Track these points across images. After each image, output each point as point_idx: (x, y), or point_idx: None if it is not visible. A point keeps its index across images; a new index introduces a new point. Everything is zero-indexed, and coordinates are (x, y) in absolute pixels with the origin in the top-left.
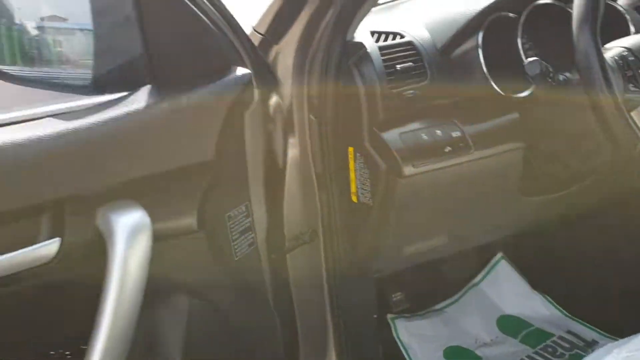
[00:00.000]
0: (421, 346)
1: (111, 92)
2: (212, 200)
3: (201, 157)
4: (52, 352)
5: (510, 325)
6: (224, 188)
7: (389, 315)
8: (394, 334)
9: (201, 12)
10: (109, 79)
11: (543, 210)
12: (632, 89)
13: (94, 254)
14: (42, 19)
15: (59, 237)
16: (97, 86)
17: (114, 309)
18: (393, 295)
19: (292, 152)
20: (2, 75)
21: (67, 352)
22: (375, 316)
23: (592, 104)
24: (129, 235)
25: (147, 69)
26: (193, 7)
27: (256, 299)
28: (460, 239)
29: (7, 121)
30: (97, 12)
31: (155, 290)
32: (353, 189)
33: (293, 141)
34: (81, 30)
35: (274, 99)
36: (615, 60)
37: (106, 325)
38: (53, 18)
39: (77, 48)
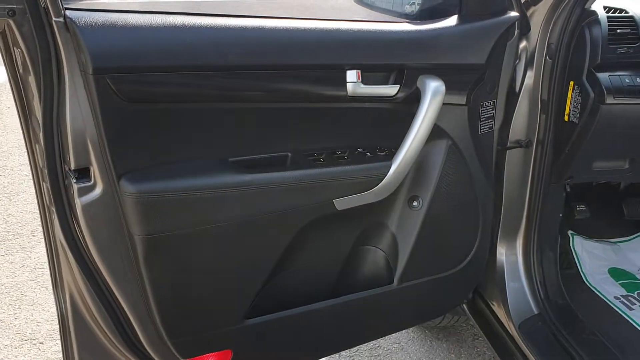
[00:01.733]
0: (591, 260)
1: (431, 19)
2: (477, 89)
3: (478, 60)
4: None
5: None
6: (484, 84)
7: (570, 231)
8: (570, 244)
9: None
10: (431, 12)
11: None
12: None
13: (411, 101)
14: None
15: (399, 84)
16: (422, 16)
17: (414, 134)
18: (578, 205)
19: (527, 82)
20: (371, 7)
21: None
22: (560, 215)
23: None
24: (433, 94)
25: (459, 6)
26: None
27: (484, 169)
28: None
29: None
30: None
31: (433, 131)
32: (567, 111)
33: (530, 74)
34: None
35: (523, 43)
36: None
37: (410, 140)
38: None
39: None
